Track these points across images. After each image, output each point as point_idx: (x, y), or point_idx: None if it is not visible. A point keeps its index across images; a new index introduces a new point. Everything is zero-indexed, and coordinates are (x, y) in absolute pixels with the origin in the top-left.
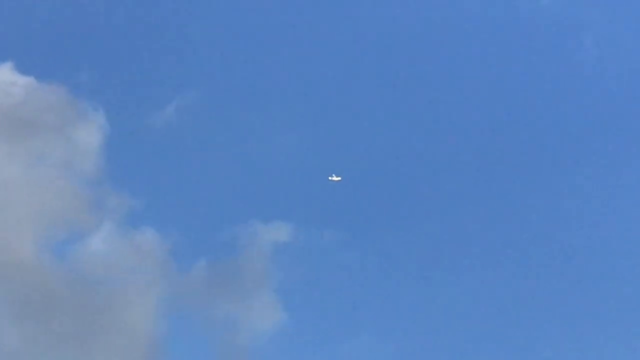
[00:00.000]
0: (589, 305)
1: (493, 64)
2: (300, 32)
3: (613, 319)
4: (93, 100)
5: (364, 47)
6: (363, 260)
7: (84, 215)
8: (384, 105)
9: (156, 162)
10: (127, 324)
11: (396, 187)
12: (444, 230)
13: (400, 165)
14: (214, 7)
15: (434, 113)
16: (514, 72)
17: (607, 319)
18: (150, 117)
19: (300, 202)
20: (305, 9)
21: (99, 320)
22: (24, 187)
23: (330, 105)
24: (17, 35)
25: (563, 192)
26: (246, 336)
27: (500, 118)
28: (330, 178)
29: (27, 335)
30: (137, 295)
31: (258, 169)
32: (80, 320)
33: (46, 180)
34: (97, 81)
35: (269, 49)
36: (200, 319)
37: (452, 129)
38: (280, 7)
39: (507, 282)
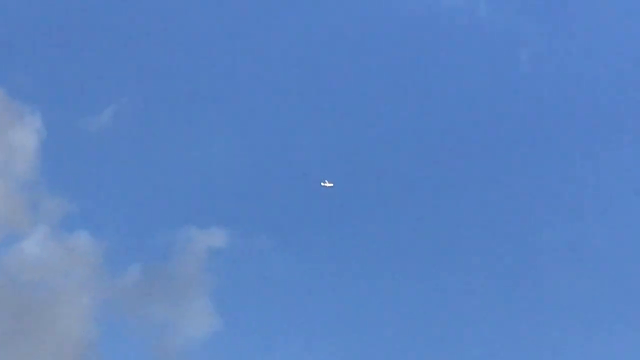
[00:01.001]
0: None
1: (430, 75)
2: (234, 37)
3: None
4: (30, 103)
5: (296, 50)
6: (297, 266)
7: (19, 218)
8: (317, 113)
9: (92, 166)
10: (60, 327)
11: (328, 192)
12: (377, 234)
13: (332, 170)
14: (150, 13)
15: (365, 125)
16: (449, 84)
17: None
18: (87, 121)
19: (235, 208)
20: (239, 12)
21: (32, 323)
22: None
23: (266, 111)
24: None
25: (491, 204)
26: (180, 341)
27: (436, 129)
28: (322, 184)
29: None
30: (70, 298)
31: (193, 175)
32: (13, 323)
33: None
34: (34, 84)
35: (204, 55)
36: (134, 323)
37: (385, 140)
38: (216, 10)
39: (443, 283)
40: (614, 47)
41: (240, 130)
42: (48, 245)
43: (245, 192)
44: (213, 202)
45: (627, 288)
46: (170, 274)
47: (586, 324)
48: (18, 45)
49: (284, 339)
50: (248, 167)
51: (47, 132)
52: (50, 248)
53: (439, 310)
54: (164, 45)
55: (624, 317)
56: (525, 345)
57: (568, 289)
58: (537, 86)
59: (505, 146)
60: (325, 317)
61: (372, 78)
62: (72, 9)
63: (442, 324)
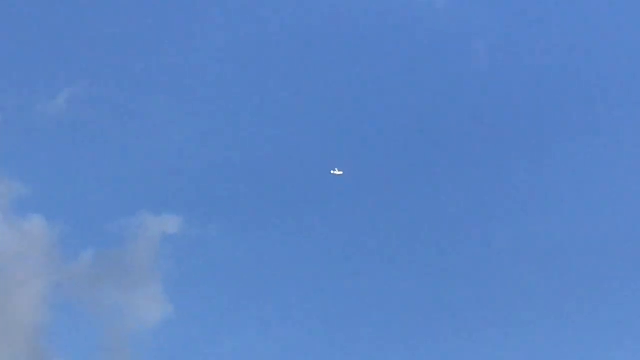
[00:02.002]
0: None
1: (385, 66)
2: (195, 22)
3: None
4: None
5: (251, 39)
6: (250, 254)
7: None
8: (274, 99)
9: (46, 150)
10: (12, 311)
11: (285, 180)
12: (334, 225)
13: (288, 158)
14: None
15: (320, 112)
16: (405, 75)
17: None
18: (42, 106)
19: (189, 195)
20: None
21: None
22: None
23: (223, 96)
24: None
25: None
26: (132, 326)
27: (390, 120)
28: (332, 172)
29: None
30: (23, 283)
31: (148, 160)
32: None
33: None
34: None
35: (161, 39)
36: (87, 309)
37: (335, 128)
38: None
39: (397, 278)
40: (571, 39)
41: (196, 117)
42: (1, 229)
43: (200, 179)
44: (167, 188)
45: (577, 284)
46: (123, 259)
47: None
48: None
49: (236, 326)
50: (203, 154)
51: (2, 116)
52: (3, 232)
53: (387, 293)
54: (122, 28)
55: (575, 313)
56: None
57: (519, 285)
58: (494, 78)
59: (461, 138)
60: (278, 305)
61: (326, 69)
62: None
63: (391, 308)
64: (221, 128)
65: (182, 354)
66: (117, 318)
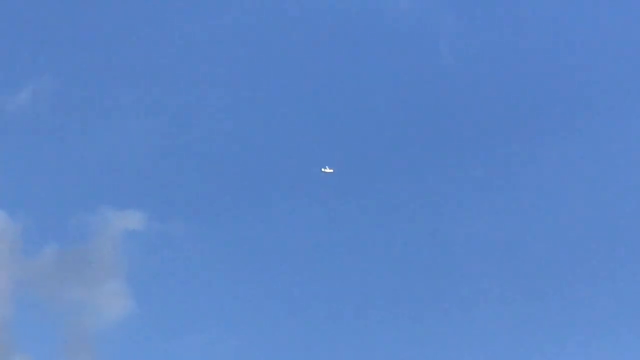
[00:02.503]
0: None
1: (351, 66)
2: (157, 16)
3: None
4: None
5: (214, 37)
6: (213, 251)
7: None
8: (238, 95)
9: (8, 145)
10: None
11: (250, 176)
12: (300, 220)
13: (253, 154)
14: None
15: (285, 109)
16: (370, 76)
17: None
18: (4, 100)
19: (153, 191)
20: None
21: None
22: None
23: (189, 92)
24: None
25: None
26: (94, 322)
27: (356, 120)
28: (323, 170)
29: None
30: None
31: (112, 156)
32: None
33: None
34: None
35: (125, 35)
36: (48, 304)
37: (300, 125)
38: None
39: (365, 271)
40: (533, 38)
41: (161, 113)
42: None
43: (164, 175)
44: (131, 184)
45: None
46: (85, 255)
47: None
48: None
49: (199, 323)
50: (167, 150)
51: None
52: None
53: (352, 288)
54: (85, 24)
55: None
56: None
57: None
58: (457, 78)
59: (425, 137)
60: (241, 301)
61: (292, 69)
62: None
63: (363, 306)
64: (186, 124)
65: (145, 350)
66: (79, 314)
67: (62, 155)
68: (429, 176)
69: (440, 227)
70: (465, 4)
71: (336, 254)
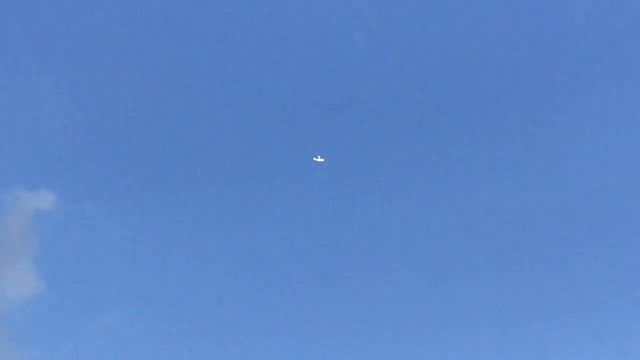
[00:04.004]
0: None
1: (266, 53)
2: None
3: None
4: None
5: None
6: (127, 232)
7: None
8: (150, 77)
9: None
10: None
11: (162, 158)
12: (213, 202)
13: (166, 137)
14: None
15: (193, 97)
16: (285, 63)
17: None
18: None
19: (65, 172)
20: None
21: None
22: None
23: (103, 72)
24: None
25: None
26: (1, 303)
27: (273, 107)
28: (314, 159)
29: None
30: None
31: (23, 135)
32: None
33: None
34: None
35: (36, 17)
36: None
37: (207, 113)
38: None
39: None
40: (447, 29)
41: (73, 94)
42: None
43: (77, 156)
44: (43, 164)
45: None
46: None
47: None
48: None
49: (108, 306)
50: (80, 130)
51: None
52: None
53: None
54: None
55: None
56: None
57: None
58: (371, 67)
59: (337, 127)
60: (152, 283)
61: (203, 63)
62: None
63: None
64: (99, 106)
65: (52, 330)
66: None
67: None
68: (344, 166)
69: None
70: None
71: (243, 232)
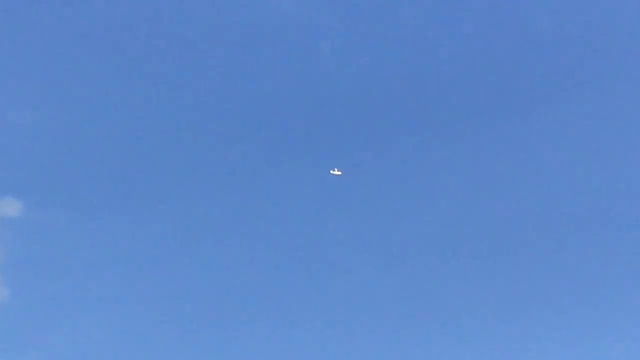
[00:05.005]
0: None
1: (233, 66)
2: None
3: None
4: None
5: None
6: (93, 240)
7: None
8: (116, 84)
9: None
10: None
11: (130, 166)
12: (179, 211)
13: (133, 145)
14: None
15: (157, 107)
16: (251, 75)
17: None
18: None
19: (31, 179)
20: None
21: None
22: None
23: (66, 81)
24: None
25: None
26: None
27: (236, 121)
28: (331, 172)
29: None
30: None
31: None
32: None
33: None
34: None
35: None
36: None
37: (172, 123)
38: None
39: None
40: (414, 41)
41: (40, 100)
42: None
43: (43, 162)
44: (8, 170)
45: None
46: None
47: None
48: None
49: (75, 313)
50: (46, 137)
51: None
52: None
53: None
54: None
55: None
56: None
57: None
58: (338, 79)
59: (302, 139)
60: (119, 291)
61: (172, 68)
62: None
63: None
64: (65, 112)
65: (17, 339)
66: None
67: None
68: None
69: None
70: (348, 5)
71: (220, 238)
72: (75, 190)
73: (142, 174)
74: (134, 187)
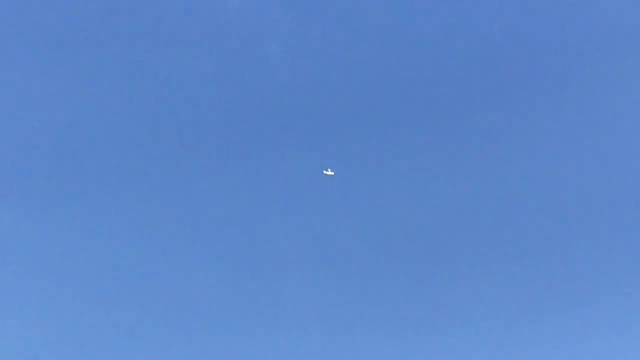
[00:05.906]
0: None
1: (177, 65)
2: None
3: None
4: None
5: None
6: (39, 240)
7: None
8: (70, 79)
9: None
10: None
11: (79, 161)
12: (133, 208)
13: (83, 138)
14: None
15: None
16: (196, 75)
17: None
18: None
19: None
20: None
21: None
22: None
23: (27, 75)
24: None
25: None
26: None
27: (180, 124)
28: (325, 172)
29: None
30: None
31: None
32: None
33: None
34: None
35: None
36: None
37: (132, 115)
38: None
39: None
40: (366, 40)
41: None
42: None
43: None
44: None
45: None
46: None
47: None
48: None
49: (17, 313)
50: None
51: None
52: None
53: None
54: None
55: None
56: None
57: None
58: (286, 79)
59: (248, 141)
60: (62, 289)
61: (122, 70)
62: None
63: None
64: (14, 107)
65: None
66: None
67: None
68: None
69: None
70: (296, 4)
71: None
72: (25, 188)
73: (92, 171)
74: (85, 185)
